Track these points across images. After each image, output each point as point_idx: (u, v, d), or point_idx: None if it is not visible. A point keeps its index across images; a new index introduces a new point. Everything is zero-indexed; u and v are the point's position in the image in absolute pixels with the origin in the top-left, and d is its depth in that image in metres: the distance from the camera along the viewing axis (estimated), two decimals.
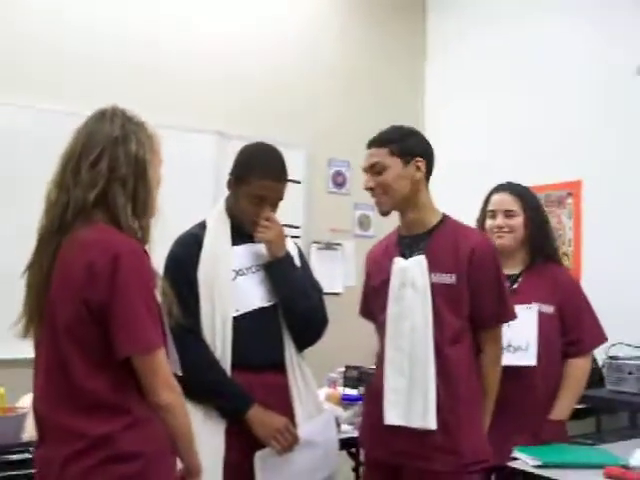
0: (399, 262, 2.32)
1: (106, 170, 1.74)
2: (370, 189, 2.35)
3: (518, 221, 2.74)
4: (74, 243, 1.70)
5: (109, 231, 1.73)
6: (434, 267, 2.26)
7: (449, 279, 2.25)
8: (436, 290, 2.24)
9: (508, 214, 2.75)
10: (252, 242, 2.36)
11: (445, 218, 2.38)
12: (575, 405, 2.71)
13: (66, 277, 1.69)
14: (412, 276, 2.26)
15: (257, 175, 2.30)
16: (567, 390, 2.70)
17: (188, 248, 2.32)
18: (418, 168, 2.31)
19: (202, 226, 2.40)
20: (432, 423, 2.17)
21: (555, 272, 2.77)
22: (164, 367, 1.72)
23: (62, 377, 1.69)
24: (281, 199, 2.38)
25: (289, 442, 2.23)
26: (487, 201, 2.84)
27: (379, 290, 2.38)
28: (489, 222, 2.78)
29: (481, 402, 2.30)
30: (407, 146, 2.32)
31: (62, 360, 1.68)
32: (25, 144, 3.84)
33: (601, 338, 2.80)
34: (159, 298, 1.80)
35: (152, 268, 1.78)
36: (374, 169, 2.32)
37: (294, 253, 2.46)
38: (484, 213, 2.82)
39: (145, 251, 1.76)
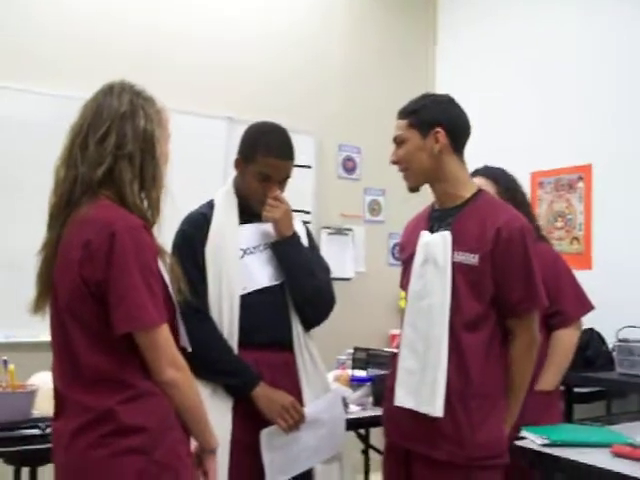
0: (424, 236, 2.22)
1: (113, 146, 1.72)
2: (394, 163, 2.27)
3: None
4: (75, 221, 1.71)
5: (110, 208, 1.71)
6: (459, 245, 2.14)
7: (471, 259, 2.12)
8: (457, 270, 2.12)
9: None
10: (260, 221, 2.36)
11: (479, 193, 2.25)
12: (586, 388, 2.71)
13: (66, 255, 1.70)
14: (434, 252, 2.16)
15: (263, 153, 2.29)
16: (553, 361, 2.74)
17: (196, 227, 2.32)
18: (437, 140, 2.18)
19: (210, 205, 2.40)
20: (439, 410, 2.07)
21: (535, 248, 2.74)
22: (167, 344, 1.70)
23: (68, 354, 1.71)
24: (288, 177, 2.37)
25: (295, 420, 2.24)
26: None
27: (406, 265, 2.33)
28: None
29: (501, 395, 2.18)
30: (425, 117, 2.20)
31: (66, 337, 1.70)
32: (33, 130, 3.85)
33: (585, 307, 2.82)
34: (166, 275, 1.79)
35: (155, 244, 1.76)
36: (396, 142, 2.25)
37: (302, 233, 2.46)
38: None
39: (146, 227, 1.73)
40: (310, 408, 2.30)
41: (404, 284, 2.34)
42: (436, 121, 2.19)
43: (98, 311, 1.67)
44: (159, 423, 1.69)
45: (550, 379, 2.72)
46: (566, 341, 2.77)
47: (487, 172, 2.83)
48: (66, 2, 4.04)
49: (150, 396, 1.70)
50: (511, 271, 2.13)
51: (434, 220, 2.27)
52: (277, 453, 2.22)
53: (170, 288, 1.81)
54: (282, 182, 2.36)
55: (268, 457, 2.20)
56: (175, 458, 1.70)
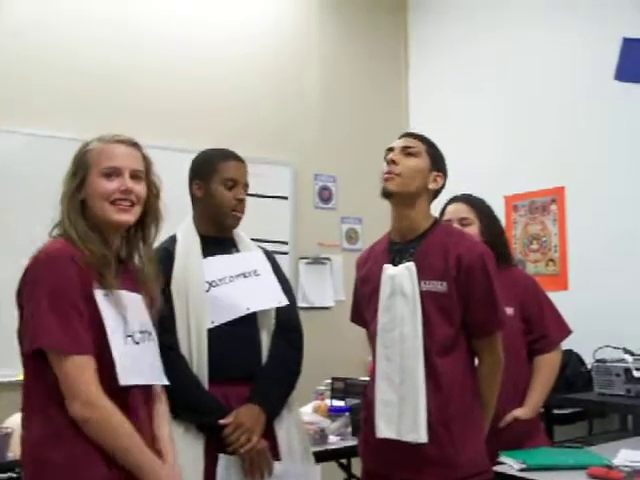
0: (388, 269, 2.26)
1: (62, 196, 1.86)
2: (392, 162, 2.26)
3: (473, 229, 2.78)
4: None
5: (53, 242, 1.80)
6: (424, 274, 2.20)
7: (440, 287, 2.19)
8: (427, 298, 2.19)
9: (463, 222, 2.79)
10: (223, 253, 2.37)
11: (437, 223, 2.34)
12: (566, 409, 2.71)
13: None
14: (401, 284, 2.20)
15: (222, 160, 2.38)
16: (538, 385, 2.74)
17: (160, 263, 2.21)
18: (435, 181, 2.30)
19: (173, 240, 2.38)
20: (423, 436, 2.11)
21: (512, 274, 2.81)
22: (78, 377, 1.67)
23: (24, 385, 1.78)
24: (247, 185, 2.42)
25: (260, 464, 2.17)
26: (442, 213, 2.86)
27: (369, 299, 2.33)
28: None
29: (478, 413, 2.24)
30: (439, 158, 2.34)
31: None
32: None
33: (566, 330, 2.85)
34: (108, 311, 1.76)
35: (89, 277, 1.74)
36: (406, 150, 2.28)
37: (264, 262, 2.45)
38: None
39: (73, 258, 1.73)
40: (279, 466, 2.22)
41: (366, 317, 2.38)
42: (443, 168, 2.34)
43: None
44: (67, 460, 1.67)
45: (536, 404, 2.73)
46: (553, 364, 2.80)
47: (466, 199, 2.88)
48: (31, 37, 4.00)
49: (63, 430, 1.69)
50: (474, 296, 2.21)
51: (395, 253, 2.31)
52: None
53: (109, 323, 1.76)
54: (244, 188, 2.41)
55: None
56: None
